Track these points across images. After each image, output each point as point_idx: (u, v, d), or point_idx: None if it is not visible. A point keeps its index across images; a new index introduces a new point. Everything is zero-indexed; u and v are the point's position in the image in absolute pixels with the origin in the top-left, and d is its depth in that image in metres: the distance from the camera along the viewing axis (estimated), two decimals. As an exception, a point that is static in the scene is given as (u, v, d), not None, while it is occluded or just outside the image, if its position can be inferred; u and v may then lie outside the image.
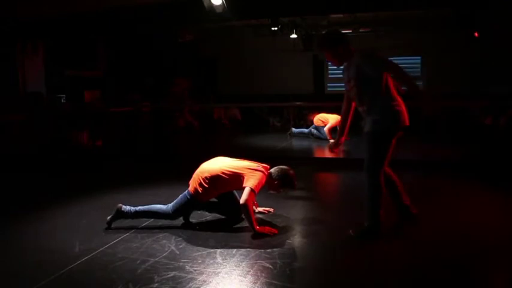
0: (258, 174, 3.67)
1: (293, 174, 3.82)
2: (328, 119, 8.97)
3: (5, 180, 6.08)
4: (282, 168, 3.80)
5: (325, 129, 8.88)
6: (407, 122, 3.41)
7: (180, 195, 3.83)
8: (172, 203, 3.83)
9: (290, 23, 10.84)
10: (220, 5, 6.63)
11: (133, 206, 3.86)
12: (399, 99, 3.39)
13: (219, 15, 6.80)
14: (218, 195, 3.90)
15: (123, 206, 3.83)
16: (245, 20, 10.57)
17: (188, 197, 3.78)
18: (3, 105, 7.73)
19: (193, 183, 3.80)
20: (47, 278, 2.87)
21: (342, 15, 10.59)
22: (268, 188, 3.84)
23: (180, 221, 3.93)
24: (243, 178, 3.66)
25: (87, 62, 10.42)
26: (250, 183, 3.60)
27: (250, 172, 3.69)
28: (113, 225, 3.82)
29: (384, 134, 3.37)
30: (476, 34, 9.96)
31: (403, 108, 3.38)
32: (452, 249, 3.33)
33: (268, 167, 3.84)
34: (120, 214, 3.81)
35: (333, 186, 6.16)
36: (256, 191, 3.63)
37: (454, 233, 3.70)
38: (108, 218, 3.82)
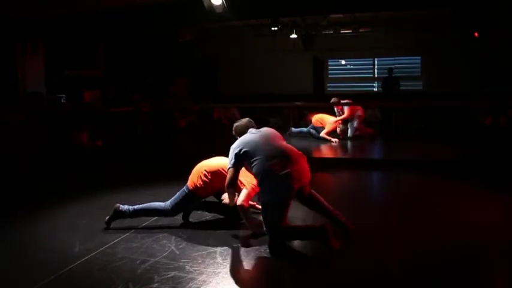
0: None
1: None
2: (326, 122, 8.94)
3: (5, 180, 6.08)
4: None
5: (322, 134, 8.85)
6: (296, 186, 3.36)
7: (179, 192, 3.85)
8: (170, 200, 3.85)
9: (290, 23, 10.84)
10: (220, 5, 6.62)
11: (131, 205, 3.87)
12: (281, 168, 3.33)
13: (219, 15, 6.79)
14: (216, 192, 3.90)
15: (121, 206, 3.84)
16: (245, 20, 10.57)
17: (186, 191, 3.80)
18: (3, 105, 7.72)
19: (191, 177, 3.84)
20: (47, 278, 2.87)
21: (342, 15, 10.59)
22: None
23: (180, 220, 3.94)
24: (241, 179, 3.67)
25: (87, 62, 10.41)
26: (247, 184, 3.61)
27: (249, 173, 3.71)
28: (112, 225, 3.83)
29: (273, 203, 3.34)
30: (476, 34, 9.96)
31: (286, 177, 3.31)
32: (452, 249, 3.33)
33: None
34: (118, 214, 3.82)
35: (333, 186, 6.16)
36: (253, 194, 3.64)
37: (454, 233, 3.70)
38: (107, 218, 3.83)
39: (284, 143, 3.65)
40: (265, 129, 3.76)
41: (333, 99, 8.93)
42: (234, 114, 12.34)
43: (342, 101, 8.84)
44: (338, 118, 9.04)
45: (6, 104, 7.81)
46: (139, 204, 3.90)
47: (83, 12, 8.02)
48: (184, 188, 3.84)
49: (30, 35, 8.65)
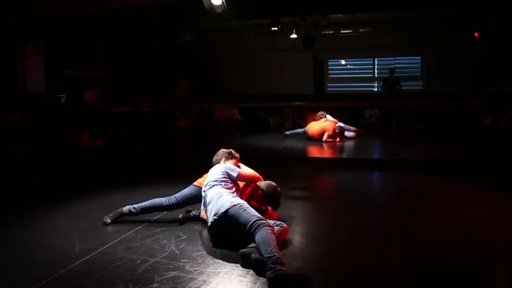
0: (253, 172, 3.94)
1: (279, 193, 3.85)
2: (325, 130, 8.85)
3: (5, 180, 6.08)
4: (271, 184, 3.84)
5: (325, 139, 8.77)
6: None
7: (186, 188, 4.06)
8: (175, 195, 4.03)
9: (290, 23, 10.84)
10: (220, 5, 6.62)
11: (135, 204, 3.98)
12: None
13: (219, 15, 6.80)
14: None
15: (124, 209, 3.96)
16: (245, 20, 10.58)
17: (193, 187, 4.03)
18: (3, 105, 7.73)
19: (199, 179, 4.05)
20: (47, 278, 2.87)
21: (342, 15, 10.60)
22: (253, 198, 3.87)
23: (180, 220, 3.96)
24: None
25: (87, 62, 10.42)
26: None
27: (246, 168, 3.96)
28: (112, 225, 3.85)
29: None
30: (476, 34, 9.96)
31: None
32: (452, 249, 3.33)
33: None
34: (123, 215, 3.94)
35: (333, 185, 6.16)
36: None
37: (454, 233, 3.70)
38: (109, 219, 3.91)
39: (212, 191, 3.53)
40: (212, 169, 3.84)
41: (320, 113, 9.23)
42: (234, 114, 12.36)
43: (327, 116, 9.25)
44: (332, 119, 9.20)
45: (6, 104, 7.82)
46: (141, 203, 4.02)
47: (83, 12, 8.02)
48: (192, 185, 4.07)
49: (30, 35, 8.66)
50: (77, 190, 5.36)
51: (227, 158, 3.95)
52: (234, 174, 3.68)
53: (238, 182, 3.78)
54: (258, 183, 3.86)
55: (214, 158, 4.00)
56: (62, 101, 9.37)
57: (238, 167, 3.91)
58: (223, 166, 3.77)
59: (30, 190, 5.61)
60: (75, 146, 8.44)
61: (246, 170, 3.89)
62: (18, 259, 3.27)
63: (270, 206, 3.87)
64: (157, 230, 3.75)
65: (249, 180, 3.84)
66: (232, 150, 4.06)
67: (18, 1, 7.54)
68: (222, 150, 4.04)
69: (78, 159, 7.81)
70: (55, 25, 8.59)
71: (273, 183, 3.86)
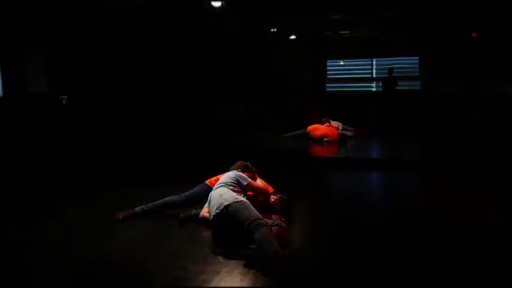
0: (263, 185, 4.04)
1: (288, 204, 4.01)
2: (327, 135, 8.85)
3: (5, 180, 6.08)
4: (283, 196, 4.04)
5: (325, 141, 8.85)
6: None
7: (196, 186, 4.17)
8: (186, 192, 4.13)
9: (290, 23, 10.86)
10: (220, 5, 6.64)
11: (145, 205, 4.06)
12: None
13: (219, 15, 6.81)
14: None
15: (136, 210, 4.04)
16: (245, 20, 10.60)
17: (204, 186, 4.13)
18: (3, 105, 7.74)
19: (211, 179, 4.16)
20: (47, 277, 2.88)
21: (341, 15, 10.62)
22: (264, 202, 3.96)
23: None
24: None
25: (88, 62, 10.43)
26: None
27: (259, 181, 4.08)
28: (113, 225, 3.86)
29: None
30: (474, 34, 9.98)
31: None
32: (452, 249, 3.34)
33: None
34: (135, 215, 4.02)
35: (333, 186, 6.17)
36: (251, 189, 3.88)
37: (454, 233, 3.71)
38: (123, 213, 3.99)
39: (218, 190, 3.64)
40: (225, 173, 3.97)
41: (324, 119, 9.35)
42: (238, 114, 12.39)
43: (331, 121, 9.40)
44: (335, 124, 9.31)
45: (6, 104, 7.84)
46: (148, 203, 4.11)
47: (82, 12, 8.04)
48: (202, 184, 4.17)
49: (30, 36, 8.67)
50: (77, 190, 5.37)
51: (242, 170, 4.01)
52: (244, 183, 3.77)
53: (247, 192, 3.85)
54: (272, 196, 3.99)
55: (231, 168, 4.08)
56: (64, 102, 9.37)
57: (255, 179, 4.01)
58: (235, 173, 3.88)
59: (30, 190, 5.60)
60: (75, 146, 8.44)
61: (258, 183, 4.01)
62: (17, 259, 3.27)
63: (279, 213, 3.93)
64: (158, 230, 3.77)
65: (258, 192, 3.92)
66: (249, 164, 4.12)
67: (19, 1, 7.55)
68: (240, 161, 4.11)
69: (78, 159, 7.80)
70: (55, 25, 8.61)
71: (285, 196, 4.04)
